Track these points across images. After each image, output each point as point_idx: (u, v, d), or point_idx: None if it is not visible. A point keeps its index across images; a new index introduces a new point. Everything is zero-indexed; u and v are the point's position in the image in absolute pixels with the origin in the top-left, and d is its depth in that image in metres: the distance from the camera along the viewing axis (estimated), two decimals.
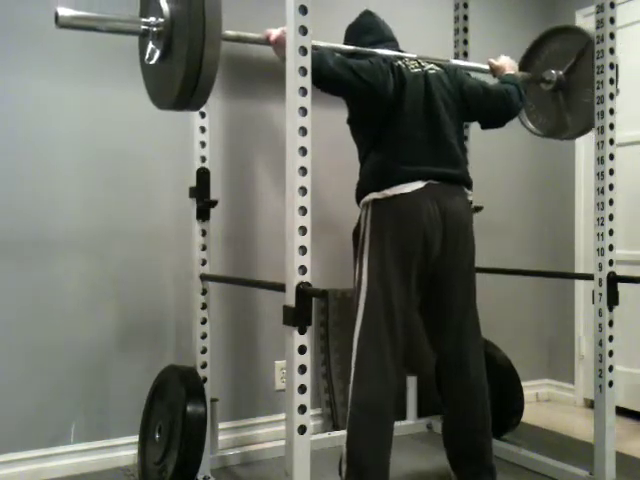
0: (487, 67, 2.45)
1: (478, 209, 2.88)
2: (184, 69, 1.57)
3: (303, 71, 1.63)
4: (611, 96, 2.30)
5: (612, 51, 2.30)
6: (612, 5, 2.29)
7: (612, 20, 2.29)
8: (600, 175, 2.32)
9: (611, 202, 2.31)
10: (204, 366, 2.39)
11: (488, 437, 2.22)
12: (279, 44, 2.00)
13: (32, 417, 2.47)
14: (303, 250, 1.63)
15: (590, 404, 3.41)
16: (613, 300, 2.31)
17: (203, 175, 2.37)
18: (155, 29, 1.67)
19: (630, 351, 3.22)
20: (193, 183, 2.38)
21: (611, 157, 2.31)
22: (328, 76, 1.94)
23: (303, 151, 1.63)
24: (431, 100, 2.10)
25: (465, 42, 2.95)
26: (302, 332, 1.64)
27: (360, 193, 2.14)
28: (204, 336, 2.40)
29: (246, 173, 2.90)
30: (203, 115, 2.36)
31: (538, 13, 3.70)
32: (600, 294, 2.32)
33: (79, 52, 2.56)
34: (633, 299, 2.98)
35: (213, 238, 2.52)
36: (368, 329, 2.02)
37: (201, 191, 2.38)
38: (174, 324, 2.72)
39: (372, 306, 2.02)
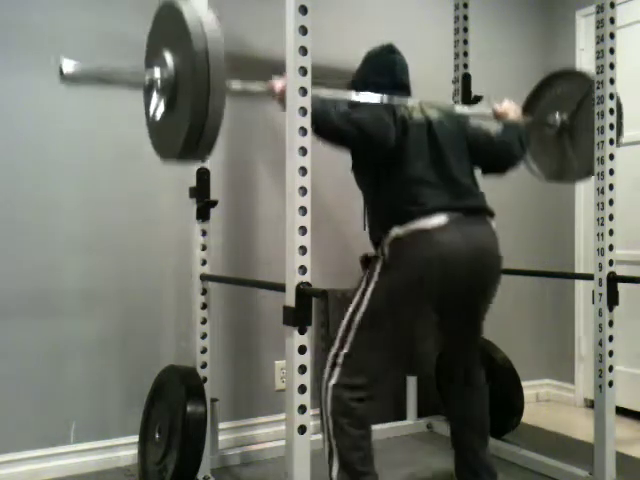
0: (490, 112, 2.43)
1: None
2: (188, 122, 1.57)
3: (303, 71, 1.63)
4: (611, 96, 2.30)
5: (612, 51, 2.30)
6: (612, 5, 2.29)
7: (612, 20, 2.29)
8: (600, 175, 2.32)
9: (611, 202, 2.31)
10: (204, 366, 2.39)
11: (486, 437, 2.24)
12: (282, 96, 1.89)
13: (32, 417, 2.47)
14: (303, 250, 1.63)
15: (590, 404, 3.41)
16: (613, 300, 2.31)
17: (203, 175, 2.37)
18: (160, 82, 1.68)
19: (630, 351, 3.22)
20: (193, 183, 2.38)
21: (611, 157, 2.30)
22: (331, 132, 1.91)
23: (303, 151, 1.63)
24: (436, 145, 2.06)
25: (465, 42, 2.95)
26: (302, 332, 1.64)
27: (377, 234, 2.05)
28: (204, 336, 2.40)
29: (246, 173, 2.90)
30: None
31: (538, 13, 3.71)
32: (600, 294, 2.32)
33: (79, 52, 2.55)
34: (633, 299, 2.98)
35: (213, 238, 2.52)
36: (359, 347, 1.98)
37: (201, 191, 2.38)
38: (174, 324, 2.72)
39: (370, 325, 1.98)
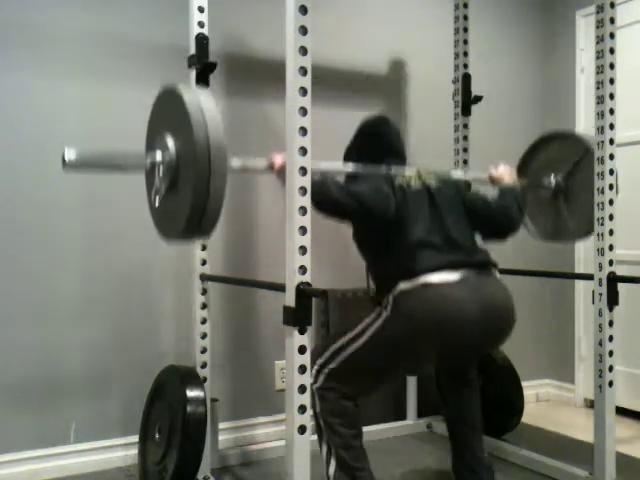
0: (486, 176, 2.44)
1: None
2: (190, 204, 1.60)
3: (303, 71, 1.63)
4: (611, 96, 2.30)
5: (612, 51, 2.30)
6: (612, 5, 2.29)
7: (612, 20, 2.29)
8: (600, 175, 2.32)
9: (611, 202, 2.31)
10: (204, 366, 2.39)
11: (481, 433, 2.27)
12: (283, 172, 1.90)
13: (32, 417, 2.47)
14: (303, 250, 1.64)
15: (590, 404, 3.41)
16: (613, 300, 2.31)
17: None
18: (161, 164, 1.71)
19: (630, 351, 3.22)
20: None
21: (611, 157, 2.30)
22: (331, 205, 1.91)
23: (303, 151, 1.63)
24: (435, 209, 2.07)
25: (465, 42, 2.95)
26: (302, 332, 1.64)
27: (384, 292, 1.99)
28: (204, 336, 2.40)
29: (246, 173, 2.90)
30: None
31: (538, 13, 3.71)
32: (600, 294, 2.32)
33: (79, 52, 2.56)
34: (633, 299, 2.98)
35: (213, 238, 2.51)
36: (349, 370, 2.00)
37: None
38: (174, 324, 2.72)
39: (364, 359, 1.99)
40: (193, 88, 1.68)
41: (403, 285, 1.91)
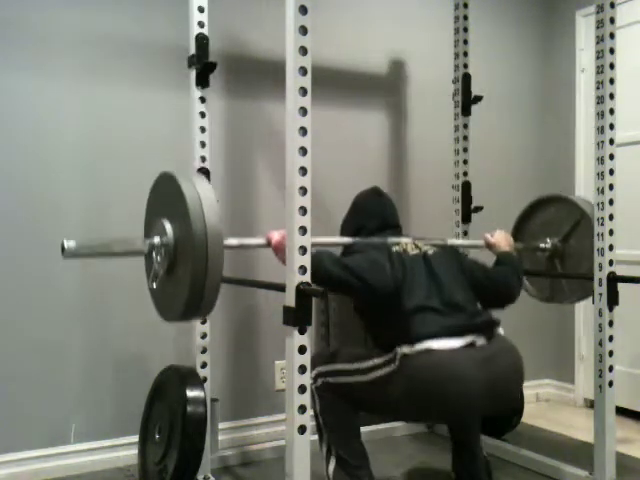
0: (482, 243, 2.44)
1: (478, 209, 2.88)
2: (189, 286, 1.66)
3: (303, 71, 1.63)
4: (611, 96, 2.30)
5: (612, 51, 2.30)
6: (612, 5, 2.29)
7: (612, 20, 2.29)
8: (600, 175, 2.32)
9: (611, 202, 2.31)
10: (204, 366, 2.39)
11: (479, 433, 2.28)
12: (280, 249, 1.93)
13: (32, 417, 2.47)
14: (303, 250, 1.64)
15: (590, 404, 3.41)
16: (613, 300, 2.31)
17: (203, 175, 2.37)
18: (160, 249, 1.76)
19: (630, 351, 3.22)
20: None
21: (611, 157, 2.30)
22: (326, 277, 1.88)
23: (303, 151, 1.63)
24: (433, 274, 2.05)
25: (465, 42, 2.95)
26: (302, 332, 1.64)
27: (385, 348, 1.96)
28: (204, 336, 2.40)
29: (246, 173, 2.90)
30: (203, 115, 2.36)
31: (538, 13, 3.71)
32: (600, 294, 2.32)
33: (79, 52, 2.56)
34: (633, 299, 2.97)
35: None
36: (339, 388, 2.04)
37: None
38: (174, 324, 2.72)
39: (350, 392, 2.02)
40: (189, 176, 1.76)
41: (405, 349, 1.88)
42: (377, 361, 1.96)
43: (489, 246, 2.41)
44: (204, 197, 1.68)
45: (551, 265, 2.72)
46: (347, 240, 2.19)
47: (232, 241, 2.02)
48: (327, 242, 2.16)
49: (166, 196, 1.80)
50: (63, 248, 1.68)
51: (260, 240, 2.05)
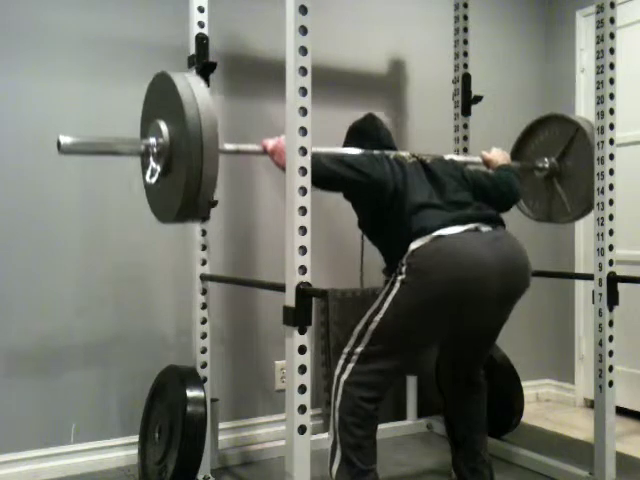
0: (479, 159, 2.45)
1: None
2: (184, 187, 1.65)
3: (303, 71, 1.63)
4: (611, 96, 2.30)
5: (612, 51, 2.30)
6: (612, 5, 2.29)
7: (612, 20, 2.29)
8: (600, 175, 2.32)
9: (611, 202, 2.31)
10: (204, 366, 2.39)
11: (485, 433, 2.25)
12: (277, 153, 1.95)
13: (32, 417, 2.48)
14: (303, 250, 1.64)
15: (590, 404, 3.41)
16: (613, 300, 2.31)
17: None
18: (155, 149, 1.75)
19: (630, 351, 3.22)
20: None
21: (611, 157, 2.31)
22: (325, 175, 1.90)
23: (303, 151, 1.63)
24: (435, 177, 2.08)
25: (465, 42, 2.95)
26: (302, 332, 1.64)
27: (396, 261, 1.97)
28: (204, 336, 2.40)
29: (246, 173, 2.90)
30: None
31: (538, 13, 3.71)
32: (600, 294, 2.32)
33: (79, 52, 2.56)
34: (633, 299, 2.98)
35: (213, 238, 2.52)
36: (374, 349, 1.96)
37: None
38: (174, 324, 2.72)
39: (387, 331, 1.95)
40: (185, 74, 1.71)
41: (414, 244, 1.90)
42: (383, 291, 1.97)
43: (486, 163, 2.42)
44: (200, 97, 1.65)
45: (549, 185, 2.72)
46: (345, 151, 2.16)
47: (228, 146, 2.01)
48: (326, 152, 2.10)
49: (162, 97, 1.77)
50: (59, 144, 1.68)
51: (256, 147, 2.02)
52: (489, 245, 1.91)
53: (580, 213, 2.66)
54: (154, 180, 1.78)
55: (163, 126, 1.74)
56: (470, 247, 1.89)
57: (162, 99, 1.77)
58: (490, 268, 1.88)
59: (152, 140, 1.76)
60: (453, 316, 1.95)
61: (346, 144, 2.30)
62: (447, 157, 2.33)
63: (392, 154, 2.11)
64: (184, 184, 1.64)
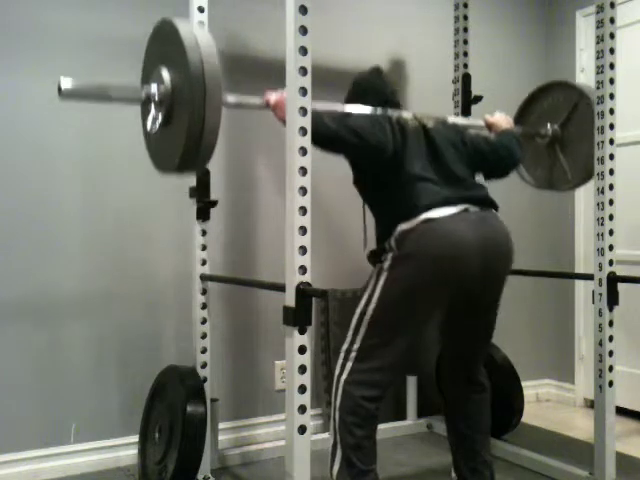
0: (482, 123, 2.44)
1: None
2: (185, 136, 1.59)
3: (303, 71, 1.63)
4: (611, 96, 2.30)
5: (612, 51, 2.30)
6: (612, 5, 2.29)
7: (612, 20, 2.29)
8: (600, 175, 2.32)
9: (611, 202, 2.31)
10: (204, 366, 2.39)
11: (487, 434, 2.24)
12: (279, 107, 1.94)
13: (32, 417, 2.48)
14: (303, 250, 1.64)
15: (590, 404, 3.41)
16: (613, 300, 2.31)
17: (203, 175, 2.37)
18: (157, 97, 1.70)
19: (630, 351, 3.22)
20: (193, 183, 2.38)
21: (611, 157, 2.31)
22: (327, 135, 1.88)
23: (303, 151, 1.63)
24: (434, 146, 2.07)
25: (465, 42, 2.95)
26: (302, 332, 1.64)
27: (386, 236, 1.99)
28: (204, 336, 2.40)
29: (246, 173, 2.90)
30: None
31: (538, 13, 3.71)
32: (600, 294, 2.32)
33: (79, 51, 2.56)
34: (633, 299, 2.98)
35: (213, 238, 2.52)
36: (370, 343, 1.96)
37: (201, 191, 2.38)
38: (174, 324, 2.72)
39: (380, 321, 1.95)
40: (189, 21, 1.67)
41: (404, 225, 1.93)
42: (372, 281, 1.98)
43: (489, 126, 2.42)
44: (203, 42, 1.60)
45: (551, 152, 2.72)
46: (347, 108, 2.13)
47: (230, 98, 1.99)
48: (327, 108, 2.10)
49: (164, 42, 1.72)
50: (60, 88, 1.64)
51: (258, 100, 2.01)
52: (474, 225, 1.95)
53: (580, 181, 2.66)
54: (155, 129, 1.73)
55: (165, 73, 1.68)
56: (455, 230, 1.92)
57: (164, 45, 1.72)
58: (471, 247, 1.92)
59: (153, 87, 1.69)
60: (441, 296, 1.97)
61: (349, 98, 2.27)
62: (450, 119, 2.33)
63: (395, 116, 2.08)
64: (186, 133, 1.58)
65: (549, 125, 2.68)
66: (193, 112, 1.57)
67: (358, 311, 1.99)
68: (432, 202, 1.93)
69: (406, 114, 2.13)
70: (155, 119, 1.72)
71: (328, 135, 1.89)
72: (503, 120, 2.40)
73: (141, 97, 1.73)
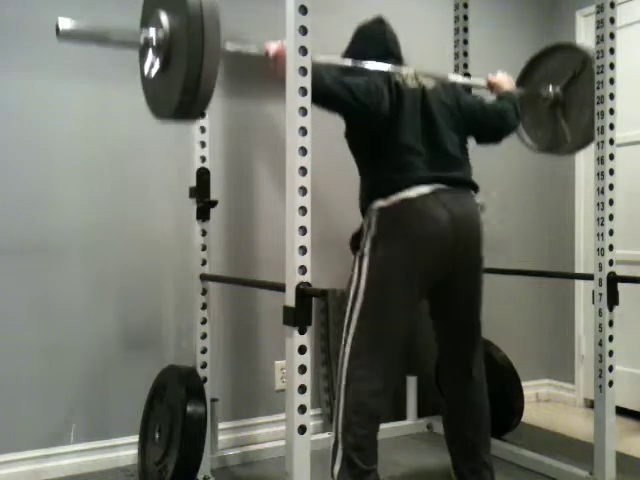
0: (484, 83, 2.44)
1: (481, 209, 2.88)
2: (183, 81, 1.57)
3: (303, 71, 1.63)
4: (611, 96, 2.30)
5: (612, 51, 2.30)
6: (612, 5, 2.29)
7: (612, 20, 2.29)
8: (600, 175, 2.32)
9: (611, 202, 2.31)
10: (204, 366, 2.39)
11: (487, 435, 2.23)
12: (279, 57, 1.92)
13: (32, 417, 2.47)
14: (303, 250, 1.63)
15: (590, 404, 3.41)
16: (613, 300, 2.31)
17: (203, 175, 2.38)
18: (154, 41, 1.68)
19: (630, 351, 3.22)
20: (193, 183, 2.38)
21: (611, 157, 2.31)
22: (324, 93, 1.89)
23: (303, 151, 1.63)
24: (429, 113, 2.08)
25: (465, 42, 2.95)
26: (302, 332, 1.64)
27: (364, 204, 2.09)
28: (204, 336, 2.40)
29: (246, 173, 2.90)
30: (203, 115, 2.35)
31: (538, 13, 3.71)
32: (600, 294, 2.32)
33: (80, 52, 2.55)
34: (633, 299, 2.98)
35: (213, 238, 2.52)
36: (363, 335, 1.98)
37: (201, 191, 2.38)
38: (174, 324, 2.72)
39: (369, 310, 1.97)
40: None
41: (381, 202, 1.99)
42: (355, 270, 2.01)
43: (490, 86, 2.42)
44: None
45: (552, 114, 2.71)
46: (348, 62, 2.13)
47: (230, 45, 1.98)
48: (328, 61, 2.09)
49: None
50: (58, 29, 1.63)
51: (257, 49, 2.01)
52: (446, 205, 1.99)
53: (580, 144, 2.67)
54: (153, 74, 1.71)
55: (163, 17, 1.66)
56: (429, 209, 1.97)
57: None
58: (445, 226, 1.97)
59: (152, 31, 1.68)
60: (424, 276, 2.01)
61: (350, 46, 2.27)
62: (451, 78, 2.33)
63: (395, 76, 2.07)
64: (183, 78, 1.57)
65: (551, 87, 2.67)
66: (191, 57, 1.56)
67: (348, 308, 2.01)
68: (411, 180, 1.98)
69: (406, 70, 2.13)
70: (153, 63, 1.71)
71: (327, 96, 1.90)
72: (505, 81, 2.40)
73: (139, 41, 1.71)
